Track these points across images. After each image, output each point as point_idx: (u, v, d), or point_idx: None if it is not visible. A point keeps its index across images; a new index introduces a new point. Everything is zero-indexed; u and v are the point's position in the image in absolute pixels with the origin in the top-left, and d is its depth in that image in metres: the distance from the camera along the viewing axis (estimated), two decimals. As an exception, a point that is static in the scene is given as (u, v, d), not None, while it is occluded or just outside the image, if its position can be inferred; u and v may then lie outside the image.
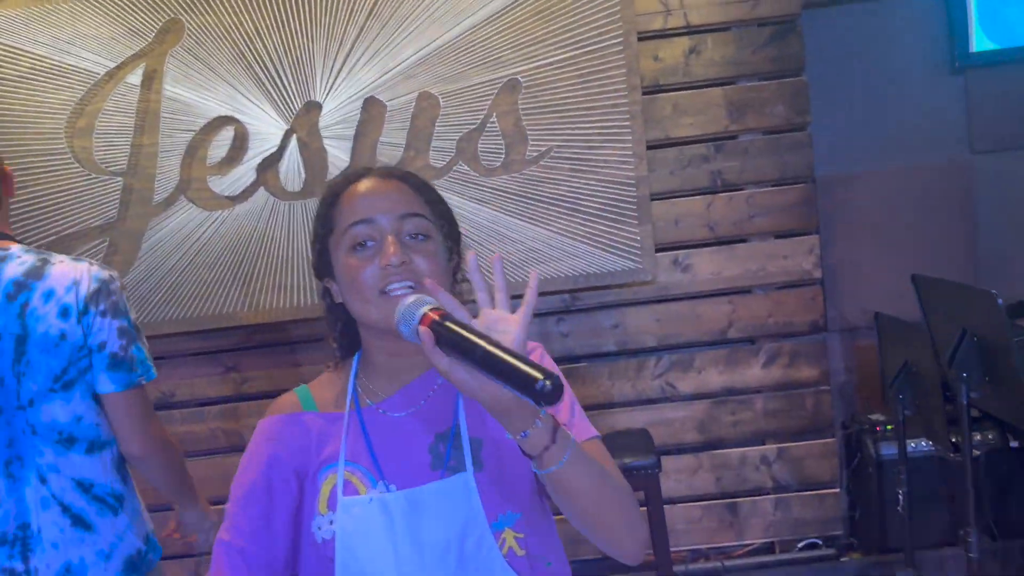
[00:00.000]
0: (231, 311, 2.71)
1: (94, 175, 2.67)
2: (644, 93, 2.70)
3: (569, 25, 2.64)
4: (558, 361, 1.15)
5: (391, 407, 1.08)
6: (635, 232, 2.70)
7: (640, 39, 2.68)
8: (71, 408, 1.51)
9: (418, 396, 1.08)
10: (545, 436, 0.89)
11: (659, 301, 2.83)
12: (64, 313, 1.49)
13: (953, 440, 2.45)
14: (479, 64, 2.67)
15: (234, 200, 2.69)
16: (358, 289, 1.03)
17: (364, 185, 1.08)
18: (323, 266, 1.11)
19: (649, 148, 2.72)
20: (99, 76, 2.64)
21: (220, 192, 2.68)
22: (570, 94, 2.67)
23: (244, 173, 2.69)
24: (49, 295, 1.49)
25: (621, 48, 2.63)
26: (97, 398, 1.54)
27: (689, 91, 2.76)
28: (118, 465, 1.59)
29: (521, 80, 2.67)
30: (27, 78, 2.65)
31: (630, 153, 2.67)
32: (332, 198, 1.10)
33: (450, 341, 0.86)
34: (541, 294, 2.68)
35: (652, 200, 2.72)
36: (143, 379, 1.56)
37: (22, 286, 1.48)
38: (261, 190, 2.69)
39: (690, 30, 2.74)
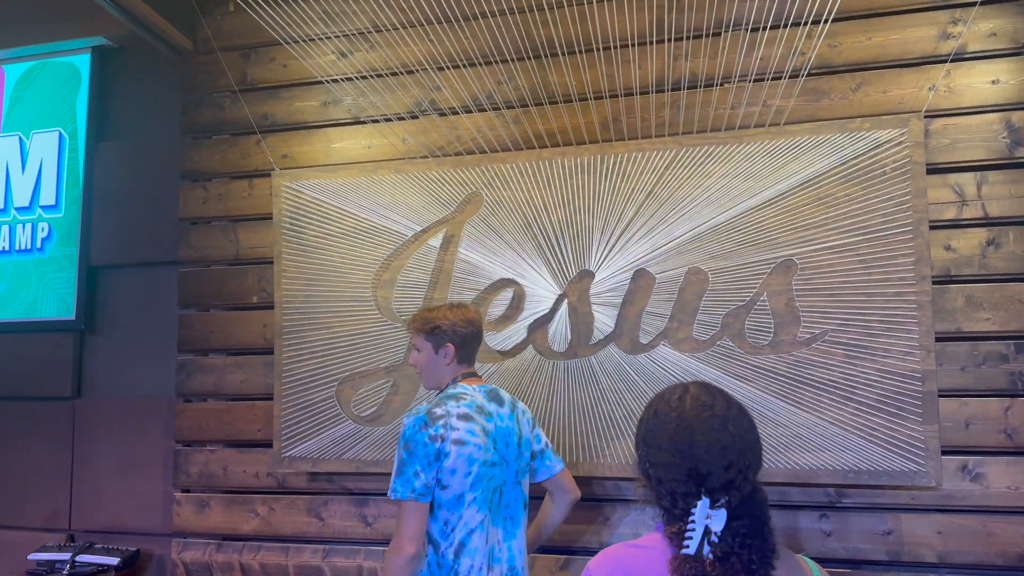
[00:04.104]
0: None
1: (389, 322, 3.00)
2: (934, 283, 2.54)
3: (852, 212, 2.60)
4: (818, 562, 1.10)
5: None
6: (918, 430, 2.47)
7: (931, 228, 2.57)
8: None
9: None
10: None
11: (942, 511, 2.53)
12: (530, 424, 2.34)
13: None
14: (752, 244, 2.69)
15: (504, 355, 2.87)
16: None
17: None
18: None
19: (937, 340, 2.53)
20: (407, 237, 3.01)
21: (493, 347, 2.88)
22: (850, 279, 2.59)
23: (517, 331, 2.87)
24: (523, 412, 2.30)
25: (910, 237, 2.53)
26: None
27: (986, 284, 2.56)
28: None
29: (796, 261, 2.64)
30: (348, 235, 3.08)
31: (916, 344, 2.50)
32: None
33: None
34: (802, 485, 2.51)
35: (939, 397, 2.50)
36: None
37: (515, 405, 2.26)
38: (530, 348, 2.85)
39: (988, 222, 2.58)
